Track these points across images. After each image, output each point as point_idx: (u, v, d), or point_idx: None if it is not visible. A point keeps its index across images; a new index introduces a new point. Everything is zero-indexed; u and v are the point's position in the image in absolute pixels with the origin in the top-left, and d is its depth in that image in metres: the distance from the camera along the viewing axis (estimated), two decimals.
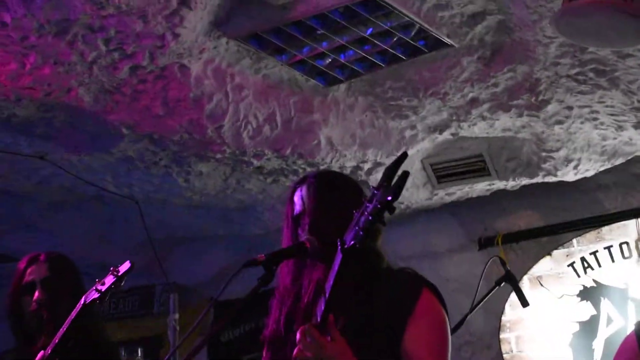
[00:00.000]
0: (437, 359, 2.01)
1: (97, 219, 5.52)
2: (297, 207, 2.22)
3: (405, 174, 1.73)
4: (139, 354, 4.37)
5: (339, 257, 1.81)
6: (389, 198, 1.71)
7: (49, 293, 2.68)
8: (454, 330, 3.66)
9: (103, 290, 2.41)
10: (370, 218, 1.72)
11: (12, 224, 5.33)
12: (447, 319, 2.06)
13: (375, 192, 1.73)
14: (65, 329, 2.46)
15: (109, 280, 2.41)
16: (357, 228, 1.75)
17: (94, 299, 2.44)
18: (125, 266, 2.39)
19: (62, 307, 2.57)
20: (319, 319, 1.87)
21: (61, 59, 3.32)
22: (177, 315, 4.79)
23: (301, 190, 2.23)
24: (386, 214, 1.77)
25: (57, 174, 4.49)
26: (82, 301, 2.48)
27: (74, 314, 2.47)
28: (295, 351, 1.87)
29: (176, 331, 4.80)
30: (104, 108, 3.73)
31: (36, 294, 2.68)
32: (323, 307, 1.85)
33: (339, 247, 1.79)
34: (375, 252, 2.12)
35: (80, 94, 3.59)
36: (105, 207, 5.29)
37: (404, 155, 1.81)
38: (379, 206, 1.71)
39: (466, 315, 3.70)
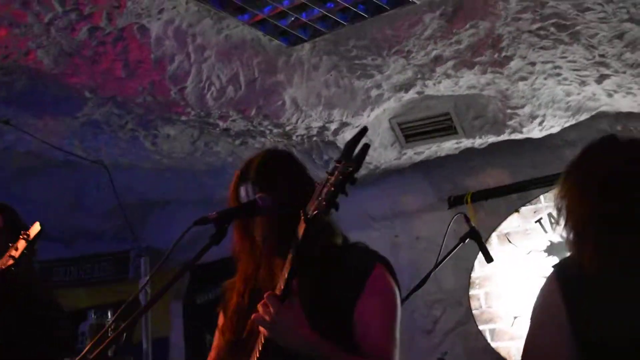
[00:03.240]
0: (385, 331, 2.08)
1: (68, 185, 5.52)
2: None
3: (366, 147, 1.80)
4: (109, 316, 4.38)
5: (302, 227, 1.85)
6: (351, 169, 1.75)
7: None
8: (419, 286, 3.73)
9: (17, 256, 2.38)
10: (332, 189, 1.76)
11: None
12: (397, 292, 2.13)
13: (337, 164, 1.78)
14: None
15: (22, 245, 2.37)
16: (319, 199, 1.79)
17: (9, 266, 2.40)
18: (35, 229, 2.35)
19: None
20: (282, 287, 1.93)
21: (17, 20, 3.27)
22: (147, 278, 4.80)
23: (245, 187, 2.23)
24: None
25: (23, 139, 4.47)
26: None
27: None
28: (254, 315, 1.95)
29: (147, 294, 4.80)
30: (65, 71, 3.69)
31: None
32: (287, 275, 1.91)
33: (302, 217, 1.83)
34: (330, 226, 2.15)
35: (39, 57, 3.55)
36: (75, 173, 5.28)
37: (365, 130, 1.87)
38: (341, 177, 1.75)
39: (430, 272, 3.72)
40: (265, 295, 1.94)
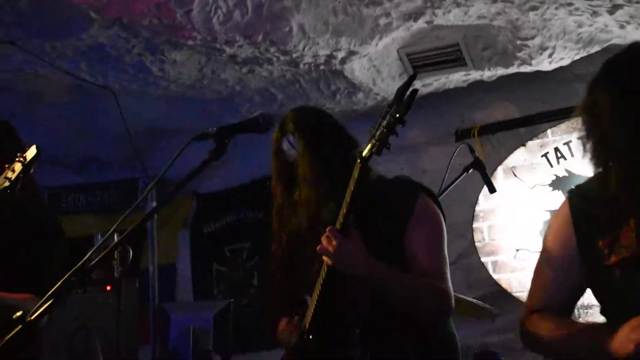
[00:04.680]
0: (435, 252, 2.23)
1: (77, 112, 5.52)
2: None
3: (414, 92, 1.95)
4: (114, 239, 4.44)
5: (358, 166, 2.03)
6: (400, 113, 1.94)
7: None
8: None
9: (13, 178, 2.39)
10: (385, 130, 1.96)
11: None
12: (442, 217, 2.28)
13: (388, 108, 1.96)
14: None
15: (18, 167, 2.38)
16: (373, 140, 1.98)
17: (5, 188, 2.41)
18: (31, 152, 2.35)
19: None
20: (342, 221, 2.10)
21: None
22: (154, 204, 4.85)
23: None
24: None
25: (30, 61, 4.46)
26: None
27: None
28: (319, 247, 2.12)
29: (153, 220, 4.87)
30: None
31: None
32: (345, 210, 2.08)
33: (358, 159, 2.01)
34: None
35: None
36: (83, 99, 5.28)
37: (414, 76, 2.04)
38: (392, 120, 1.94)
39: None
40: (327, 230, 2.11)
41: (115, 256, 4.42)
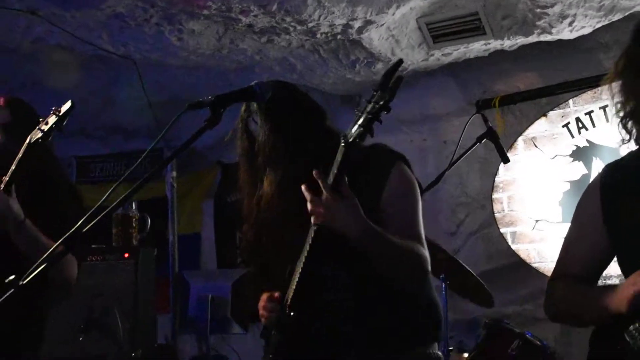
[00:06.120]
0: (410, 214, 2.24)
1: (101, 81, 5.59)
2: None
3: (399, 79, 1.91)
4: (133, 208, 4.52)
5: (341, 152, 2.01)
6: (385, 100, 1.90)
7: (9, 137, 2.71)
8: (435, 183, 3.75)
9: (46, 130, 2.44)
10: (370, 116, 1.92)
11: (19, 82, 5.41)
12: (415, 182, 2.29)
13: (374, 92, 1.92)
14: (14, 167, 2.52)
15: (52, 119, 2.43)
16: (358, 126, 1.95)
17: (38, 138, 2.47)
18: (66, 105, 2.40)
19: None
20: (331, 181, 2.06)
21: None
22: (174, 174, 4.90)
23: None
24: None
25: (52, 31, 4.52)
26: (27, 141, 2.51)
27: (20, 153, 2.52)
28: (310, 207, 2.08)
29: (173, 189, 4.93)
30: None
31: None
32: (336, 171, 2.05)
33: (342, 142, 1.99)
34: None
35: None
36: (107, 69, 5.34)
37: (400, 62, 1.98)
38: (376, 106, 1.91)
39: (445, 170, 3.74)
40: (321, 185, 2.07)
41: (134, 224, 4.48)
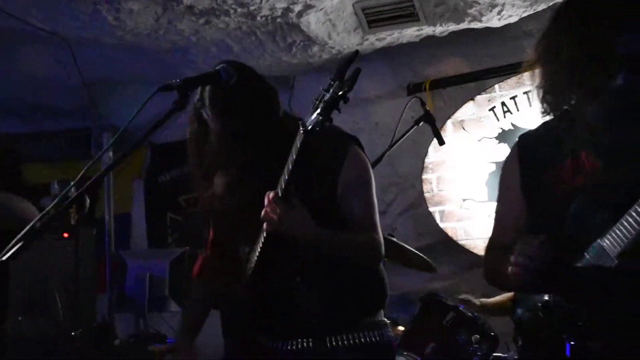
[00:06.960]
0: (366, 205, 2.38)
1: (30, 60, 5.46)
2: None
3: (357, 71, 2.01)
4: (72, 189, 4.48)
5: (300, 139, 2.07)
6: (343, 91, 1.99)
7: None
8: (374, 165, 3.89)
9: None
10: (328, 106, 2.00)
11: None
12: (369, 165, 2.44)
13: (332, 82, 2.00)
14: None
15: None
16: (316, 113, 2.02)
17: None
18: None
19: None
20: (283, 187, 2.16)
21: None
22: (110, 154, 4.89)
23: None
24: None
25: None
26: None
27: None
28: (263, 212, 2.18)
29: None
30: None
31: None
32: (287, 177, 2.14)
33: (301, 130, 2.05)
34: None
35: None
36: (37, 48, 5.23)
37: (356, 53, 2.07)
38: (335, 96, 1.99)
39: (384, 152, 3.90)
40: (270, 197, 2.17)
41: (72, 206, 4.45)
